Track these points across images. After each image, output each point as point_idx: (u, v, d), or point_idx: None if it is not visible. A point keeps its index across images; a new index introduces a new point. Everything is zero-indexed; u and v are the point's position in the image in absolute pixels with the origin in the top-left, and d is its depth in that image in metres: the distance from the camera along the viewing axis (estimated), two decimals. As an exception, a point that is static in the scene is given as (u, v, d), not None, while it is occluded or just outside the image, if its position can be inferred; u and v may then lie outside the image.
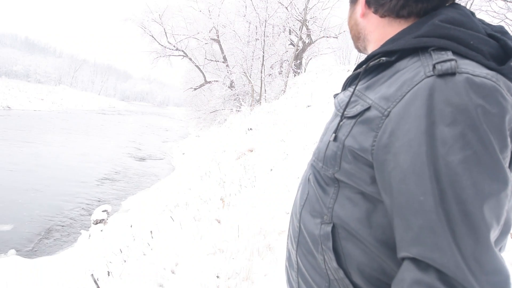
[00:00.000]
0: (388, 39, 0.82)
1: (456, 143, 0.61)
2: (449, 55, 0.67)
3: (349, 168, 0.77)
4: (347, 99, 0.83)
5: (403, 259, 0.66)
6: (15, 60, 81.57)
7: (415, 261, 0.63)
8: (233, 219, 4.55)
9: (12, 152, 14.90)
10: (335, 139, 0.80)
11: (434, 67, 0.65)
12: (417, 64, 0.70)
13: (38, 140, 18.70)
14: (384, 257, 0.74)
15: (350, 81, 0.92)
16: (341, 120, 0.81)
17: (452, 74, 0.63)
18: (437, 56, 0.67)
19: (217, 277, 3.38)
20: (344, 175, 0.78)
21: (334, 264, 0.80)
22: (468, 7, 14.94)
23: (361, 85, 0.82)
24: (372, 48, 0.91)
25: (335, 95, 0.98)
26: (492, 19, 13.17)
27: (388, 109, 0.69)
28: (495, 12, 12.86)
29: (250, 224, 4.14)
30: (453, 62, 0.65)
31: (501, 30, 0.75)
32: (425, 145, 0.62)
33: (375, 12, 0.86)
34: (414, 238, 0.63)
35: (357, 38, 0.95)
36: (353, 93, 0.81)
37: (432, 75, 0.65)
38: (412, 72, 0.69)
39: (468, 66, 0.65)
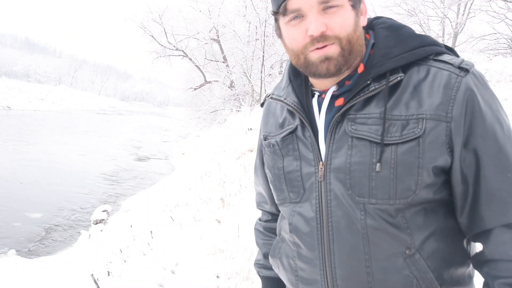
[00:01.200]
0: (368, 57, 0.85)
1: (502, 112, 0.80)
2: (450, 56, 0.81)
3: (427, 185, 0.78)
4: (378, 126, 0.79)
5: (486, 231, 0.78)
6: (15, 60, 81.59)
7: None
8: (233, 219, 4.55)
9: (12, 152, 14.90)
10: (402, 168, 0.77)
11: (460, 68, 0.78)
12: (434, 71, 0.79)
13: (38, 140, 18.70)
14: (452, 243, 0.83)
15: (347, 110, 0.83)
16: (383, 149, 0.78)
17: (471, 68, 0.79)
18: (449, 60, 0.80)
19: (217, 277, 3.38)
20: (422, 194, 0.78)
21: (431, 276, 0.81)
22: (468, 7, 14.96)
23: (381, 107, 0.80)
24: (360, 59, 0.85)
25: (290, 133, 0.92)
26: (492, 19, 13.20)
27: (449, 114, 0.76)
28: (495, 12, 12.87)
29: (250, 224, 4.13)
30: (465, 60, 0.80)
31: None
32: (498, 122, 0.77)
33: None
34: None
35: (359, 51, 0.84)
36: (384, 117, 0.78)
37: (466, 74, 0.78)
38: (442, 78, 0.78)
39: (467, 61, 0.81)
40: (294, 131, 0.91)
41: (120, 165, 14.88)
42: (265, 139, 1.00)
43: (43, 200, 9.51)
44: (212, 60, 22.09)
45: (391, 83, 0.79)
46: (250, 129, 11.16)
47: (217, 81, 21.96)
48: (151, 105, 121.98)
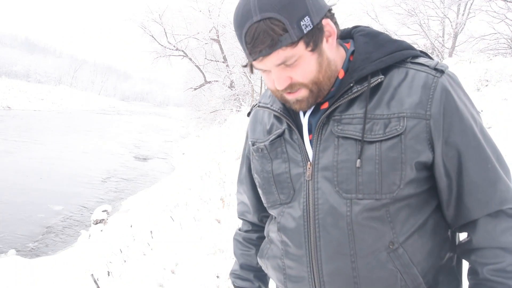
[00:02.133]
0: (348, 62, 0.91)
1: (474, 109, 0.87)
2: (426, 59, 0.88)
3: (410, 180, 0.82)
4: (358, 124, 0.84)
5: (471, 222, 0.84)
6: (15, 60, 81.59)
7: (501, 212, 0.82)
8: (233, 219, 4.55)
9: (12, 152, 14.90)
10: (387, 163, 0.82)
11: (436, 69, 0.85)
12: (412, 73, 0.85)
13: (38, 140, 18.70)
14: (435, 237, 0.87)
15: (331, 112, 0.88)
16: (362, 145, 0.83)
17: (445, 69, 0.85)
18: (425, 62, 0.87)
19: (217, 277, 3.38)
20: (406, 189, 0.83)
21: (414, 271, 0.85)
22: (468, 7, 14.95)
23: (363, 108, 0.85)
24: (340, 65, 0.91)
25: (278, 137, 0.96)
26: (492, 19, 13.18)
27: (428, 112, 0.81)
28: (495, 12, 12.86)
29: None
30: (440, 62, 0.87)
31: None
32: (472, 118, 0.84)
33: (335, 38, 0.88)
34: (498, 196, 0.82)
35: (329, 78, 0.88)
36: (365, 116, 0.84)
37: (441, 75, 0.84)
38: (420, 79, 0.84)
39: (442, 63, 0.87)
40: (282, 135, 0.96)
41: (120, 165, 14.88)
42: (253, 144, 1.05)
43: (43, 200, 9.51)
44: (212, 60, 22.09)
45: (372, 84, 0.85)
46: (250, 129, 11.13)
47: (217, 81, 21.95)
48: (151, 105, 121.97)
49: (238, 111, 18.20)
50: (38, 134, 20.86)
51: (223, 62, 21.57)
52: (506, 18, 12.61)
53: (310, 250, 0.89)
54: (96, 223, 8.09)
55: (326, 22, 0.84)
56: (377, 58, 0.86)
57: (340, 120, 0.87)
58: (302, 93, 0.85)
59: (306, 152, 0.91)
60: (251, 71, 0.90)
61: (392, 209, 0.83)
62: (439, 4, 15.42)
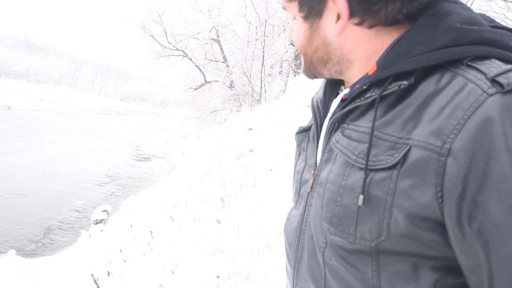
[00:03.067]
0: (385, 55, 0.66)
1: None
2: (497, 63, 0.55)
3: (403, 234, 0.57)
4: (363, 144, 0.62)
5: None
6: (15, 60, 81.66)
7: None
8: (233, 219, 4.55)
9: (12, 152, 14.90)
10: (367, 202, 0.60)
11: (494, 81, 0.52)
12: (459, 82, 0.55)
13: (38, 140, 18.70)
14: None
15: (343, 117, 0.69)
16: (366, 175, 0.60)
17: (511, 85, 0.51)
18: (487, 67, 0.54)
19: (217, 277, 3.38)
20: (395, 243, 0.58)
21: None
22: (468, 7, 14.97)
23: (369, 121, 0.63)
24: (358, 69, 0.70)
25: (304, 130, 0.86)
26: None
27: (446, 146, 0.52)
28: (495, 12, 12.86)
29: (250, 224, 4.14)
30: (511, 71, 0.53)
31: (493, 20, 0.66)
32: None
33: (360, 23, 0.66)
34: None
35: (325, 62, 0.72)
36: (372, 134, 0.60)
37: (497, 92, 0.51)
38: (462, 93, 0.54)
39: None
40: (308, 130, 0.84)
41: (120, 165, 14.88)
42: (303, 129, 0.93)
43: (43, 200, 9.51)
44: (212, 60, 22.10)
45: (387, 91, 0.60)
46: (250, 129, 11.16)
47: (217, 81, 21.97)
48: (151, 105, 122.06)
49: (238, 111, 18.21)
50: (38, 134, 20.86)
51: (223, 62, 21.58)
52: (506, 18, 12.61)
53: (295, 269, 0.77)
54: (96, 223, 8.09)
55: (341, 1, 0.65)
56: (416, 54, 0.60)
57: (344, 130, 0.68)
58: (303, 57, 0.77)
59: (317, 158, 0.75)
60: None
61: (383, 262, 0.60)
62: (439, 4, 15.46)
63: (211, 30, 20.81)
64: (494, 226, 0.49)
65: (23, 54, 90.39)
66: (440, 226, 0.55)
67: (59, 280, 5.15)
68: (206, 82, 22.49)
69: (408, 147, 0.56)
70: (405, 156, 0.56)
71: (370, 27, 0.67)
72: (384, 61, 0.63)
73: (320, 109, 0.79)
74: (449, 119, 0.53)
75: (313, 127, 0.80)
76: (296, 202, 0.81)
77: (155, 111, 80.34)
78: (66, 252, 6.79)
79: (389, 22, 0.66)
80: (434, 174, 0.53)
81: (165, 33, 21.71)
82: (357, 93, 0.66)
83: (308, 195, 0.74)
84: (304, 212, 0.75)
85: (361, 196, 0.60)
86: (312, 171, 0.74)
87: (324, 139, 0.74)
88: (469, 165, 0.50)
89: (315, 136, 0.77)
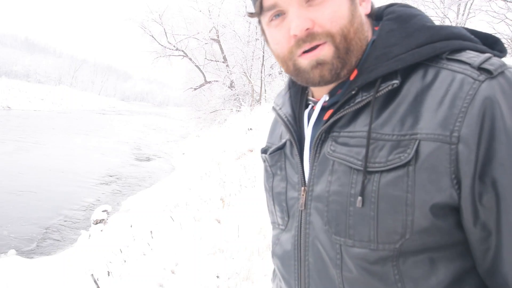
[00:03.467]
0: (365, 58, 0.67)
1: None
2: (472, 53, 0.61)
3: (424, 228, 0.58)
4: (361, 148, 0.62)
5: None
6: (15, 60, 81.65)
7: None
8: (233, 219, 4.55)
9: (12, 152, 14.91)
10: (386, 204, 0.59)
11: (480, 69, 0.57)
12: (446, 75, 0.59)
13: (38, 140, 18.70)
14: None
15: (330, 126, 0.67)
16: (365, 177, 0.61)
17: (497, 70, 0.57)
18: (468, 58, 0.60)
19: (217, 277, 3.38)
20: (416, 239, 0.59)
21: None
22: (468, 7, 14.96)
23: (366, 125, 0.63)
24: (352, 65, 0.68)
25: (278, 149, 0.79)
26: (492, 19, 13.19)
27: (454, 134, 0.55)
28: (495, 12, 12.86)
29: (250, 224, 4.14)
30: (494, 59, 0.59)
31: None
32: None
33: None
34: None
35: (359, 48, 0.67)
36: (369, 136, 0.61)
37: (487, 78, 0.56)
38: (453, 84, 0.58)
39: (497, 59, 0.60)
40: (282, 148, 0.79)
41: (120, 165, 14.88)
42: (263, 151, 0.87)
43: (43, 200, 9.51)
44: (212, 60, 22.09)
45: (380, 92, 0.62)
46: (250, 129, 11.16)
47: (217, 81, 21.96)
48: (151, 105, 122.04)
49: (238, 111, 18.21)
50: (38, 134, 20.86)
51: (223, 62, 21.57)
52: (506, 18, 12.61)
53: None
54: (96, 223, 8.08)
55: None
56: (396, 54, 0.62)
57: (337, 138, 0.66)
58: (326, 50, 0.63)
59: (303, 174, 0.71)
60: (259, 13, 0.67)
61: (404, 264, 0.60)
62: (439, 4, 15.43)
63: (211, 30, 20.80)
64: (503, 199, 0.54)
65: (23, 54, 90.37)
66: (455, 211, 0.59)
67: (59, 280, 5.14)
68: (206, 82, 22.47)
69: (417, 141, 0.57)
70: (417, 151, 0.57)
71: (370, 16, 0.70)
72: (366, 65, 0.64)
73: (293, 124, 0.75)
74: (451, 109, 0.56)
75: (289, 144, 0.77)
76: (286, 224, 0.76)
77: (155, 111, 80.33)
78: (66, 252, 6.78)
79: (371, 14, 0.71)
80: (448, 162, 0.56)
81: (165, 33, 21.70)
82: (346, 99, 0.65)
83: (301, 214, 0.71)
84: (300, 233, 0.71)
85: (359, 198, 0.61)
86: (302, 188, 0.71)
87: (310, 152, 0.71)
88: (477, 148, 0.55)
89: (297, 152, 0.73)
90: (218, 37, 21.07)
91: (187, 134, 27.75)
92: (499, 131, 0.54)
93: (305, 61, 0.65)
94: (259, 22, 0.71)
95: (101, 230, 7.61)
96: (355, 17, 0.65)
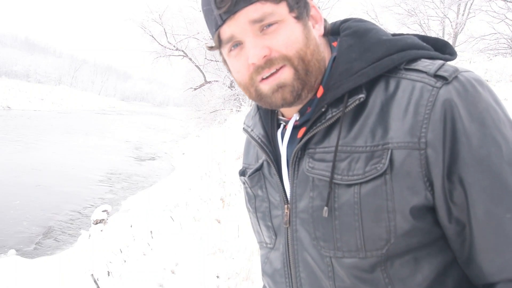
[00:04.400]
0: (328, 75, 0.70)
1: (502, 130, 0.60)
2: (426, 61, 0.65)
3: (407, 231, 0.62)
4: (343, 162, 0.64)
5: (488, 285, 0.61)
6: (15, 60, 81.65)
7: None
8: (233, 219, 4.55)
9: (12, 152, 14.91)
10: (370, 213, 0.62)
11: (436, 76, 0.61)
12: (406, 84, 0.63)
13: (38, 140, 18.70)
14: None
15: (305, 143, 0.70)
16: (331, 189, 0.64)
17: (452, 75, 0.61)
18: (423, 66, 0.63)
19: (217, 277, 3.38)
20: (400, 242, 0.62)
21: None
22: (468, 7, 14.96)
23: (341, 138, 0.66)
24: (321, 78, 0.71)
25: (256, 170, 0.81)
26: (492, 19, 13.20)
27: (422, 140, 0.59)
28: (495, 12, 12.86)
29: (250, 224, 4.13)
30: (446, 65, 0.64)
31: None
32: (493, 143, 0.58)
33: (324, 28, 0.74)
34: None
35: (318, 69, 0.69)
36: (336, 150, 0.64)
37: (443, 84, 0.60)
38: (413, 92, 0.61)
39: (450, 65, 0.64)
40: (260, 169, 0.80)
41: (120, 165, 14.88)
42: (243, 172, 0.87)
43: (43, 200, 9.51)
44: (212, 60, 22.09)
45: (349, 108, 0.64)
46: (250, 129, 11.16)
47: (217, 81, 21.96)
48: (151, 105, 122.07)
49: (238, 111, 18.21)
50: (38, 135, 20.86)
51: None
52: (506, 18, 12.62)
53: None
54: (96, 223, 8.08)
55: (312, 4, 0.71)
56: (359, 69, 0.65)
57: (313, 155, 0.68)
58: (286, 74, 0.65)
59: (284, 192, 0.74)
60: (219, 46, 0.70)
61: (391, 267, 0.63)
62: (439, 4, 15.44)
63: (211, 30, 20.79)
64: (469, 195, 0.58)
65: (23, 54, 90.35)
66: (431, 210, 0.62)
67: (59, 280, 5.14)
68: (206, 82, 22.48)
69: (390, 151, 0.61)
70: (391, 160, 0.61)
71: (325, 34, 0.74)
72: (332, 82, 0.67)
73: (267, 144, 0.77)
74: (415, 117, 0.60)
75: (266, 164, 0.79)
76: (274, 243, 0.78)
77: (155, 111, 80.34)
78: (66, 252, 6.78)
79: (327, 32, 0.75)
80: (419, 167, 0.60)
81: (165, 33, 21.71)
82: (317, 117, 0.68)
83: (287, 231, 0.73)
84: (288, 250, 0.73)
85: (325, 208, 0.64)
86: (285, 205, 0.73)
87: (288, 170, 0.73)
88: (443, 150, 0.59)
89: (275, 171, 0.75)
90: (218, 37, 21.07)
91: (187, 134, 27.75)
92: (459, 133, 0.58)
93: (266, 87, 0.67)
94: (220, 53, 0.74)
95: (101, 230, 7.61)
96: (310, 40, 0.68)
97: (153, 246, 4.86)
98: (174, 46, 21.84)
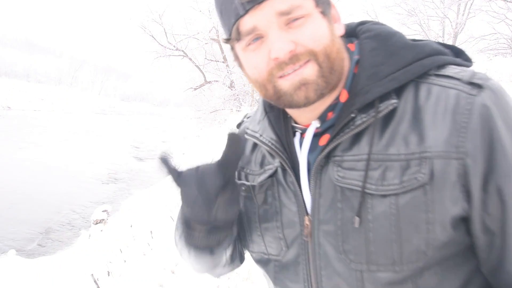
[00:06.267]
0: (353, 78, 0.67)
1: None
2: (455, 68, 0.64)
3: (444, 243, 0.60)
4: (376, 170, 0.61)
5: None
6: (15, 60, 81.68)
7: None
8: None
9: (12, 152, 14.90)
10: (408, 225, 0.59)
11: (471, 83, 0.60)
12: (439, 91, 0.61)
13: (38, 140, 18.69)
14: None
15: (330, 151, 0.65)
16: (363, 198, 0.61)
17: (485, 83, 0.60)
18: (455, 73, 0.62)
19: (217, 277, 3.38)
20: (436, 254, 0.61)
21: None
22: (468, 7, 14.96)
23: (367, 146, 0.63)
24: (342, 81, 0.68)
25: (269, 177, 0.73)
26: (492, 19, 13.20)
27: (461, 149, 0.57)
28: (495, 12, 12.86)
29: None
30: (478, 72, 0.62)
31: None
32: None
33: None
34: None
35: (342, 68, 0.66)
36: (368, 158, 0.61)
37: (478, 92, 0.59)
38: (448, 100, 0.60)
39: (481, 73, 0.63)
40: (273, 175, 0.73)
41: (120, 165, 14.88)
42: (241, 177, 0.80)
43: (43, 200, 9.51)
44: (212, 60, 22.09)
45: (381, 114, 0.61)
46: (250, 129, 11.17)
47: (217, 81, 21.96)
48: (151, 105, 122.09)
49: (238, 111, 18.22)
50: (38, 134, 20.86)
51: (223, 62, 21.58)
52: (506, 18, 12.62)
53: None
54: (96, 223, 8.08)
55: (332, 3, 0.67)
56: (388, 74, 0.62)
57: (341, 163, 0.64)
58: (310, 69, 0.61)
59: (303, 202, 0.68)
60: (236, 39, 0.64)
61: (420, 279, 0.61)
62: (439, 4, 15.43)
63: (211, 30, 20.80)
64: (508, 206, 0.57)
65: (23, 54, 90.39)
66: (465, 220, 0.60)
67: (59, 280, 5.14)
68: (206, 82, 22.48)
69: (429, 160, 0.58)
70: (431, 170, 0.58)
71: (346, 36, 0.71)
72: (359, 86, 0.64)
73: (282, 150, 0.70)
74: (453, 125, 0.58)
75: (281, 171, 0.72)
76: (284, 254, 0.72)
77: (155, 111, 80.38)
78: (66, 252, 6.78)
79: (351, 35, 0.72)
80: (457, 176, 0.57)
81: (165, 33, 21.70)
82: (344, 123, 0.63)
83: (307, 245, 0.68)
84: (309, 265, 0.68)
85: (357, 219, 0.61)
86: (306, 217, 0.67)
87: (309, 179, 0.68)
88: (482, 160, 0.57)
89: (293, 179, 0.69)
90: (218, 37, 21.07)
91: (187, 134, 27.76)
92: (497, 142, 0.57)
93: (286, 83, 0.63)
94: (232, 48, 0.69)
95: (101, 230, 7.61)
96: (335, 37, 0.65)
97: (153, 246, 4.86)
98: (174, 46, 21.83)
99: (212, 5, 20.34)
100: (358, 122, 0.62)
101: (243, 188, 0.77)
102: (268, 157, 0.75)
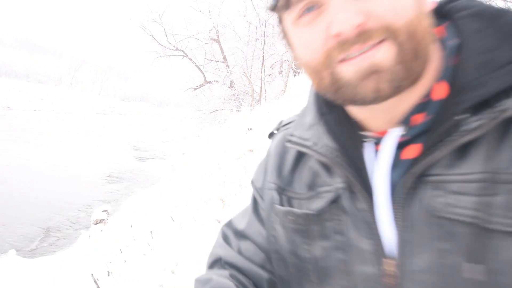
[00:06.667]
0: (466, 62, 0.47)
1: None
2: None
3: None
4: (493, 197, 0.42)
5: None
6: (15, 60, 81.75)
7: None
8: (233, 219, 4.55)
9: (12, 152, 14.91)
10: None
11: None
12: None
13: (37, 140, 18.70)
14: None
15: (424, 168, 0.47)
16: (483, 239, 0.42)
17: None
18: None
19: (217, 277, 3.38)
20: None
21: None
22: (468, 7, 15.00)
23: (485, 161, 0.44)
24: (431, 74, 0.49)
25: (332, 202, 0.55)
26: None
27: None
28: (495, 12, 12.93)
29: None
30: None
31: None
32: None
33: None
34: None
35: (427, 56, 0.47)
36: (488, 179, 0.43)
37: None
38: None
39: None
40: (336, 200, 0.54)
41: (120, 165, 14.88)
42: (278, 195, 0.62)
43: (43, 200, 9.51)
44: (212, 60, 22.10)
45: (504, 116, 0.43)
46: (250, 129, 11.16)
47: (217, 81, 21.98)
48: (151, 105, 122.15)
49: (238, 111, 18.23)
50: (38, 134, 20.87)
51: (223, 62, 21.58)
52: (506, 18, 12.67)
53: None
54: (96, 223, 8.08)
55: None
56: (506, 63, 0.44)
57: (444, 185, 0.45)
58: (384, 52, 0.44)
59: (380, 238, 0.50)
60: (287, 5, 0.48)
61: None
62: (439, 4, 15.49)
63: (211, 30, 20.82)
64: None
65: (23, 54, 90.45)
66: None
67: (59, 280, 5.14)
68: (206, 82, 22.49)
69: None
70: None
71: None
72: (468, 77, 0.46)
73: (351, 164, 0.52)
74: None
75: (350, 194, 0.53)
76: None
77: (155, 111, 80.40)
78: (66, 252, 6.78)
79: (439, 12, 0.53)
80: None
81: (165, 33, 21.72)
82: (447, 127, 0.45)
83: None
84: None
85: (473, 266, 0.43)
86: (384, 260, 0.49)
87: (392, 206, 0.49)
88: None
89: (366, 207, 0.51)
90: (218, 37, 21.08)
91: (187, 134, 27.76)
92: None
93: (349, 69, 0.45)
94: (280, 21, 0.53)
95: (101, 230, 7.61)
96: (423, 12, 0.46)
97: (153, 246, 4.86)
98: (174, 46, 21.85)
99: (212, 5, 20.42)
100: (474, 125, 0.43)
101: (290, 217, 0.59)
102: (323, 175, 0.57)
